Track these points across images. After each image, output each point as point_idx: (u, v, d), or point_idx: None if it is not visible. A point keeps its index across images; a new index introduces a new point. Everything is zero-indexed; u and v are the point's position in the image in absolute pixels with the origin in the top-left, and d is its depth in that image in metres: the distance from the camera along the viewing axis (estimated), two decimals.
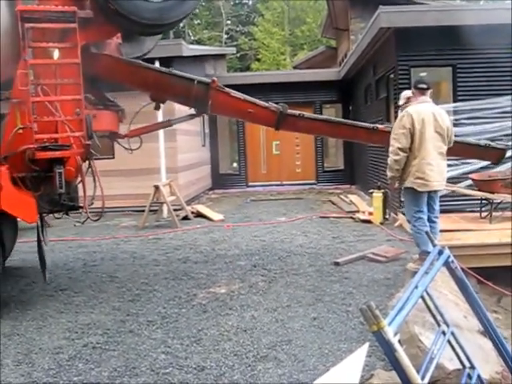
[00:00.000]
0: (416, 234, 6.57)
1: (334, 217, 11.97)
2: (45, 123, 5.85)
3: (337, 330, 5.13)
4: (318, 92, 18.06)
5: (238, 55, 40.78)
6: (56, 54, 5.97)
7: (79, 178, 6.36)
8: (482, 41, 9.95)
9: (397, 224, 10.34)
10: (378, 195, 10.95)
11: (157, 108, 7.38)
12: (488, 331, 4.21)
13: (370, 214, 11.33)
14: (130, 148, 7.44)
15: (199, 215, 12.53)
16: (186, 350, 4.78)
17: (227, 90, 7.18)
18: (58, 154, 5.88)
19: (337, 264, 7.53)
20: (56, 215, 6.69)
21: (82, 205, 6.38)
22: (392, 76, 11.22)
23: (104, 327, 5.45)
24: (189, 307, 5.97)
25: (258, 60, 41.39)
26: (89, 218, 6.45)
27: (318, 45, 36.40)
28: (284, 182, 18.55)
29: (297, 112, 7.44)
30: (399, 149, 6.42)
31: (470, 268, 7.09)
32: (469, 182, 9.83)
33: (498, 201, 9.38)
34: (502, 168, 9.91)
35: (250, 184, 18.67)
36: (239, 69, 40.77)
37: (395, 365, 2.79)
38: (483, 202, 9.53)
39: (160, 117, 10.62)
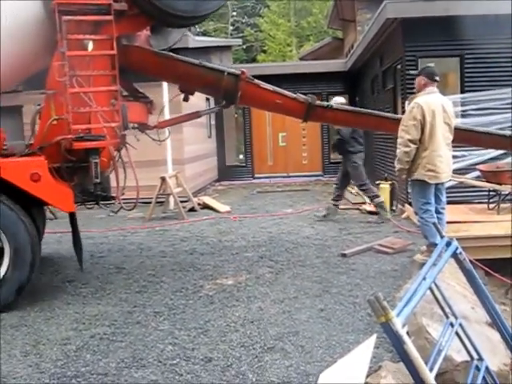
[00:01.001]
0: (424, 226, 6.55)
1: (340, 208, 11.92)
2: (78, 114, 5.94)
3: (344, 321, 5.13)
4: (325, 83, 18.00)
5: (244, 47, 40.68)
6: (90, 45, 6.05)
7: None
8: (490, 31, 9.90)
9: (404, 216, 10.32)
10: (385, 186, 10.93)
11: (185, 99, 7.45)
12: (496, 323, 4.20)
13: None
14: (159, 139, 7.55)
15: (206, 207, 12.53)
16: (193, 342, 4.79)
17: (256, 81, 7.19)
18: (94, 144, 5.98)
19: (344, 255, 7.51)
20: (88, 205, 6.74)
21: (114, 195, 6.50)
22: (399, 67, 11.16)
23: (111, 318, 5.46)
24: (196, 298, 5.97)
25: (264, 51, 41.28)
26: (122, 207, 6.56)
27: (324, 36, 36.26)
28: (290, 174, 18.54)
29: (325, 103, 7.44)
30: (409, 140, 6.37)
31: (478, 260, 7.06)
32: (477, 173, 9.78)
33: (506, 192, 9.33)
34: (510, 159, 9.86)
35: (257, 176, 18.67)
36: (245, 60, 40.68)
37: (403, 356, 2.78)
38: (491, 193, 9.49)
39: (166, 109, 10.59)
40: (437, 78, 6.61)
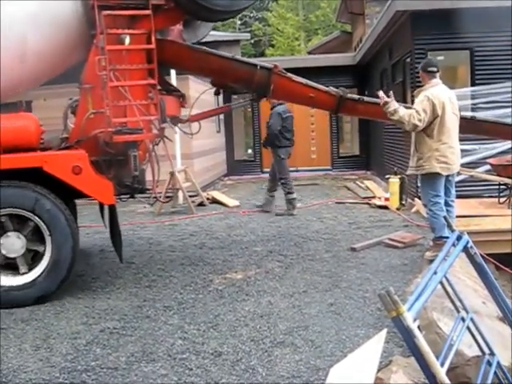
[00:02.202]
0: (432, 219, 6.52)
1: (349, 202, 11.91)
2: (116, 108, 5.99)
3: (354, 315, 5.11)
4: (334, 77, 17.85)
5: (252, 41, 40.62)
6: (127, 40, 6.09)
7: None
8: (499, 23, 9.82)
9: (414, 210, 10.28)
10: (394, 181, 10.89)
11: (217, 93, 7.54)
12: (507, 317, 4.18)
13: (387, 199, 11.27)
14: (191, 132, 7.64)
15: (215, 201, 12.53)
16: (202, 336, 4.79)
17: (289, 74, 7.20)
18: (134, 137, 6.05)
19: (353, 250, 7.49)
20: (123, 198, 6.84)
21: (149, 187, 6.60)
22: (408, 60, 11.11)
23: (121, 313, 5.47)
24: (205, 293, 5.97)
25: (272, 46, 41.19)
26: (157, 199, 6.64)
27: (332, 30, 36.14)
28: (299, 168, 18.45)
29: (356, 96, 7.44)
30: (414, 124, 6.27)
31: (488, 254, 7.04)
32: (487, 167, 9.73)
33: None
34: None
35: (265, 170, 18.57)
36: (253, 55, 40.56)
37: (414, 351, 2.77)
38: (501, 187, 9.44)
39: None
40: (431, 69, 6.54)
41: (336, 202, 12.02)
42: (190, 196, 11.64)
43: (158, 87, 6.62)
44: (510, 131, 7.71)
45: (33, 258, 5.95)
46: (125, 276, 6.77)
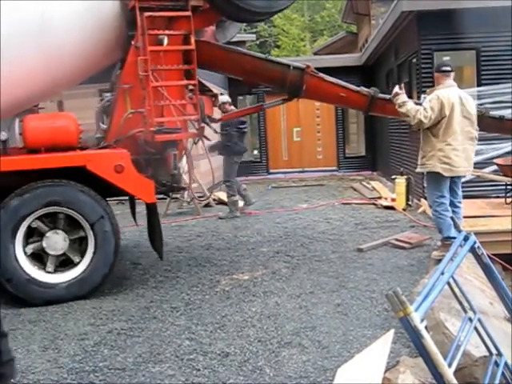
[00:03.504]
0: (438, 220, 6.51)
1: (356, 203, 11.90)
2: (155, 107, 6.09)
3: (361, 316, 5.11)
4: (339, 78, 17.54)
5: (258, 42, 40.54)
6: (165, 41, 6.21)
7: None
8: (506, 23, 9.79)
9: (420, 210, 10.26)
10: (401, 181, 10.87)
11: (249, 93, 7.61)
12: None
13: (393, 200, 11.26)
14: (222, 131, 7.70)
15: (221, 202, 12.52)
16: (209, 337, 4.80)
17: (321, 74, 7.30)
18: (174, 136, 6.17)
19: (360, 250, 7.49)
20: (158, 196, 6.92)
21: (185, 186, 6.85)
22: (414, 60, 11.09)
23: (128, 314, 5.49)
24: (212, 294, 5.98)
25: (278, 47, 41.16)
26: (194, 198, 6.75)
27: (338, 30, 36.09)
28: (305, 169, 18.48)
29: (387, 96, 7.50)
30: (419, 120, 6.28)
31: (495, 254, 7.02)
32: (494, 167, 9.70)
33: None
34: None
35: (271, 171, 18.63)
36: None
37: (422, 351, 2.78)
38: (508, 187, 9.41)
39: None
40: (444, 69, 6.53)
41: (342, 203, 12.01)
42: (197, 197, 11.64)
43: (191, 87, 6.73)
44: None
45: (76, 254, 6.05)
46: (132, 277, 6.79)
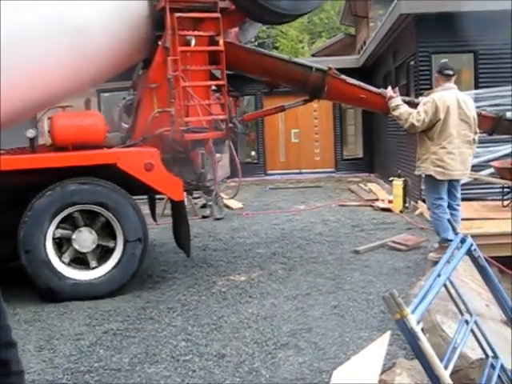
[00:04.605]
0: (436, 222, 6.51)
1: (353, 205, 11.90)
2: (184, 107, 6.14)
3: (357, 318, 5.11)
4: None
5: (256, 43, 40.51)
6: (193, 41, 6.28)
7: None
8: (503, 27, 9.80)
9: (417, 212, 10.26)
10: (398, 183, 10.87)
11: (270, 93, 7.66)
12: (511, 321, 4.17)
13: (390, 202, 11.26)
14: (245, 132, 7.90)
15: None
16: (206, 338, 4.79)
17: (343, 76, 7.35)
18: (203, 135, 6.28)
19: (357, 252, 7.49)
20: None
21: (209, 185, 6.91)
22: (412, 63, 11.10)
23: (124, 314, 5.48)
24: (209, 295, 5.98)
25: (276, 48, 41.09)
26: (219, 196, 6.78)
27: (336, 32, 36.08)
28: (303, 170, 18.47)
29: (407, 98, 7.57)
30: (411, 124, 6.34)
31: (491, 257, 7.02)
32: (491, 170, 9.71)
33: None
34: None
35: (269, 172, 18.62)
36: None
37: (418, 353, 2.77)
38: (505, 190, 9.42)
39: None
40: (447, 72, 6.53)
41: (339, 205, 12.01)
42: (194, 197, 11.62)
43: (214, 87, 6.78)
44: None
45: (103, 252, 6.13)
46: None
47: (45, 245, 5.82)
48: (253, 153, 19.13)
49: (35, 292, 5.98)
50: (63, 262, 5.93)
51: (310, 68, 7.23)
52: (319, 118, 18.26)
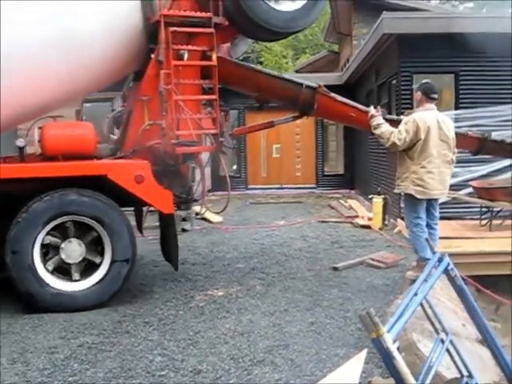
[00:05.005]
0: (414, 240, 6.55)
1: (333, 221, 11.92)
2: (175, 120, 6.15)
3: (334, 335, 5.11)
4: None
5: (241, 58, 40.61)
6: (186, 56, 6.32)
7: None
8: (484, 49, 9.95)
9: (396, 230, 10.32)
10: (377, 201, 10.93)
11: (260, 108, 7.81)
12: (486, 340, 4.19)
13: (370, 219, 11.31)
14: (234, 146, 7.78)
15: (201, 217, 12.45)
16: (182, 353, 4.76)
17: (332, 94, 7.42)
18: (194, 149, 6.29)
19: (335, 269, 7.50)
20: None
21: (197, 198, 6.98)
22: (394, 82, 11.20)
23: (100, 327, 5.42)
24: (186, 309, 5.94)
25: (261, 63, 41.23)
26: (208, 209, 6.99)
27: (320, 49, 36.35)
28: (284, 186, 18.48)
29: (394, 116, 7.61)
30: (393, 142, 6.39)
31: (469, 276, 7.08)
32: (469, 189, 9.81)
33: (498, 209, 9.37)
34: (503, 176, 9.91)
35: (250, 187, 18.62)
36: None
37: (393, 372, 2.77)
38: (483, 209, 9.51)
39: None
40: (433, 96, 6.57)
41: (319, 221, 12.02)
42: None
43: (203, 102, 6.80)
44: None
45: (88, 266, 6.08)
46: None
47: (33, 249, 5.78)
48: (234, 166, 19.14)
49: (10, 303, 5.91)
50: (47, 270, 5.89)
51: (301, 85, 7.28)
52: (301, 133, 18.32)
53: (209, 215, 12.34)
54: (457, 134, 7.59)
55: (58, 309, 5.79)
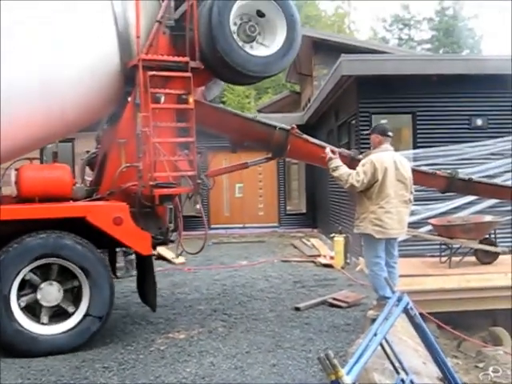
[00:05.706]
0: (374, 280, 6.58)
1: (295, 261, 11.94)
2: (149, 162, 6.14)
3: (296, 377, 5.07)
4: None
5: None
6: (162, 99, 6.37)
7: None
8: (440, 89, 10.26)
9: (358, 268, 10.37)
10: (339, 239, 11.00)
11: (234, 151, 7.77)
12: (447, 378, 4.23)
13: (332, 258, 11.36)
14: (210, 187, 8.02)
15: (160, 257, 12.30)
16: None
17: (305, 136, 7.55)
18: (172, 191, 6.28)
19: (297, 309, 7.48)
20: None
21: (173, 239, 6.91)
22: (353, 122, 11.41)
23: (58, 374, 5.28)
24: (146, 353, 5.83)
25: (224, 103, 41.51)
26: (184, 251, 7.07)
27: (282, 89, 36.89)
28: (246, 225, 18.50)
29: (347, 151, 7.74)
30: (351, 184, 6.47)
31: (430, 313, 7.15)
32: (429, 227, 9.96)
33: (457, 246, 9.53)
34: (461, 214, 10.11)
35: (213, 226, 18.56)
36: None
37: None
38: (442, 246, 9.66)
39: None
40: (389, 134, 6.73)
41: (282, 260, 12.03)
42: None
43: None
44: (509, 192, 8.08)
45: (58, 311, 5.95)
46: None
47: (13, 280, 5.67)
48: (197, 206, 19.06)
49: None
50: (18, 305, 5.74)
51: (274, 127, 7.39)
52: (263, 172, 18.43)
53: (171, 256, 12.24)
54: (425, 173, 7.81)
55: (16, 347, 5.65)
